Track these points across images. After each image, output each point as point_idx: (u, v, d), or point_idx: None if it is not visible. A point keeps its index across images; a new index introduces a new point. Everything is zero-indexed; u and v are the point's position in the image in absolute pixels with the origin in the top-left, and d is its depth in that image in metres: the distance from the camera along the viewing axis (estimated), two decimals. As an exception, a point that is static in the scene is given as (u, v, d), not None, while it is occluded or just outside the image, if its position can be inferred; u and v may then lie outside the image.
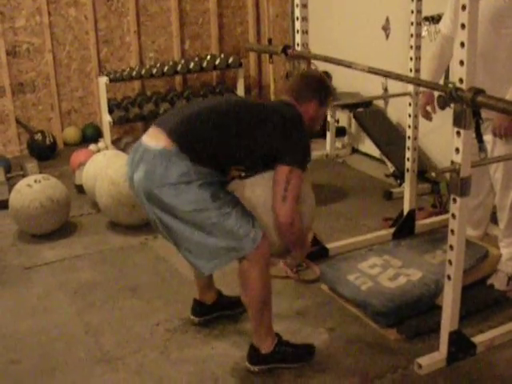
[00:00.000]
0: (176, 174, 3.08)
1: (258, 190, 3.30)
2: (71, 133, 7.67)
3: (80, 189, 5.90)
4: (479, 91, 2.79)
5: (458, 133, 2.89)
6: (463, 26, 2.76)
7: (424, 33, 5.19)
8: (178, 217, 3.14)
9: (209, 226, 3.13)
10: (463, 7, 2.73)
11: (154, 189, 3.11)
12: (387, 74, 3.57)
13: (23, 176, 5.97)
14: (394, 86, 5.76)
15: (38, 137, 7.21)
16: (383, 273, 4.13)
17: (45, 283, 4.47)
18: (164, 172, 3.08)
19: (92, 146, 7.04)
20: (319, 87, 3.52)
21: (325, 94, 3.52)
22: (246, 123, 3.26)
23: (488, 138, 3.83)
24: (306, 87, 3.50)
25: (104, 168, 5.28)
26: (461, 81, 2.84)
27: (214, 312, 3.89)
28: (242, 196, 3.27)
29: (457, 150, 2.91)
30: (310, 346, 3.55)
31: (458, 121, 2.88)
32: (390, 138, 6.36)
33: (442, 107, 2.95)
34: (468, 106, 2.82)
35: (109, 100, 7.47)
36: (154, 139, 3.19)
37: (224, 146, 3.20)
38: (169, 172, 3.08)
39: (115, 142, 7.37)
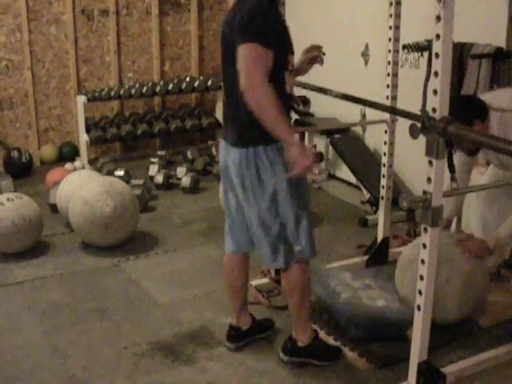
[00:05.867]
0: None
1: None
2: (48, 151, 7.62)
3: (54, 208, 5.85)
4: (451, 121, 2.78)
5: (430, 162, 2.88)
6: (437, 55, 2.75)
7: (402, 60, 5.20)
8: None
9: None
10: (437, 36, 2.72)
11: None
12: (360, 101, 3.56)
13: (-3, 193, 5.92)
14: (373, 113, 5.76)
15: (15, 154, 7.15)
16: (364, 290, 4.11)
17: (13, 303, 4.42)
18: None
19: (68, 165, 6.99)
20: None
21: None
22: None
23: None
24: None
25: (78, 188, 5.25)
26: (434, 110, 2.82)
27: (250, 337, 3.91)
28: None
29: (429, 179, 2.89)
30: (339, 348, 3.77)
31: (430, 150, 2.87)
32: (366, 165, 6.36)
33: (415, 136, 2.94)
34: (440, 136, 2.81)
35: (86, 119, 7.46)
36: None
37: None
38: None
39: (92, 162, 7.35)
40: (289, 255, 3.45)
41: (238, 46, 3.08)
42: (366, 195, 6.14)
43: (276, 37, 3.14)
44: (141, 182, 6.45)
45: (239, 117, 3.27)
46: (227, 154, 3.41)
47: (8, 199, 5.09)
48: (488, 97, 3.85)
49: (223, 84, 3.45)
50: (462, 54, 4.92)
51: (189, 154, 7.48)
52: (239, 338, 3.86)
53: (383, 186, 4.65)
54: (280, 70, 3.23)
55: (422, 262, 3.04)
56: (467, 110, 3.55)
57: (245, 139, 3.29)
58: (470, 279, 3.75)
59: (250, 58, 3.05)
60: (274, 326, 4.02)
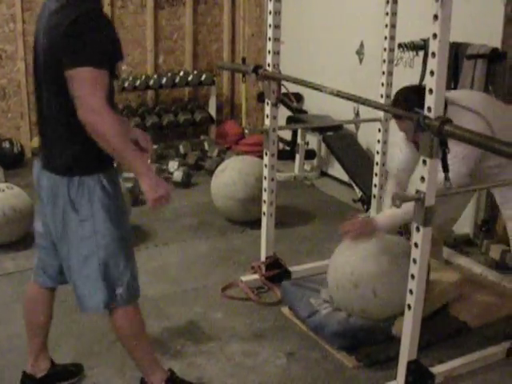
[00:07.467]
0: None
1: None
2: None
3: (44, 199, 5.81)
4: (447, 120, 2.78)
5: (424, 161, 2.88)
6: (433, 54, 2.75)
7: (397, 59, 5.20)
8: None
9: None
10: (434, 35, 2.72)
11: None
12: (355, 99, 3.54)
13: (-12, 183, 5.89)
14: (366, 111, 5.76)
15: (6, 145, 7.12)
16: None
17: (3, 294, 4.41)
18: None
19: (59, 157, 6.96)
20: None
21: None
22: None
23: None
24: None
25: (69, 180, 5.22)
26: (429, 109, 2.82)
27: None
28: None
29: (422, 178, 2.90)
30: None
31: (424, 149, 2.87)
32: (358, 163, 6.36)
33: (409, 135, 2.94)
34: (435, 135, 2.80)
35: (79, 111, 7.41)
36: None
37: None
38: None
39: (83, 154, 7.31)
40: (109, 298, 3.00)
41: (69, 69, 2.69)
42: (358, 193, 6.13)
43: (108, 51, 2.79)
44: (132, 175, 6.41)
45: (69, 143, 2.90)
46: (43, 179, 3.00)
47: (-1, 189, 5.07)
48: (455, 95, 3.72)
49: (40, 102, 3.02)
50: (457, 54, 4.92)
51: (181, 149, 7.48)
52: None
53: (375, 185, 4.65)
54: (111, 82, 2.86)
55: (414, 261, 3.04)
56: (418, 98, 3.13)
57: (73, 167, 2.88)
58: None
59: (85, 85, 2.68)
60: (82, 372, 3.53)
